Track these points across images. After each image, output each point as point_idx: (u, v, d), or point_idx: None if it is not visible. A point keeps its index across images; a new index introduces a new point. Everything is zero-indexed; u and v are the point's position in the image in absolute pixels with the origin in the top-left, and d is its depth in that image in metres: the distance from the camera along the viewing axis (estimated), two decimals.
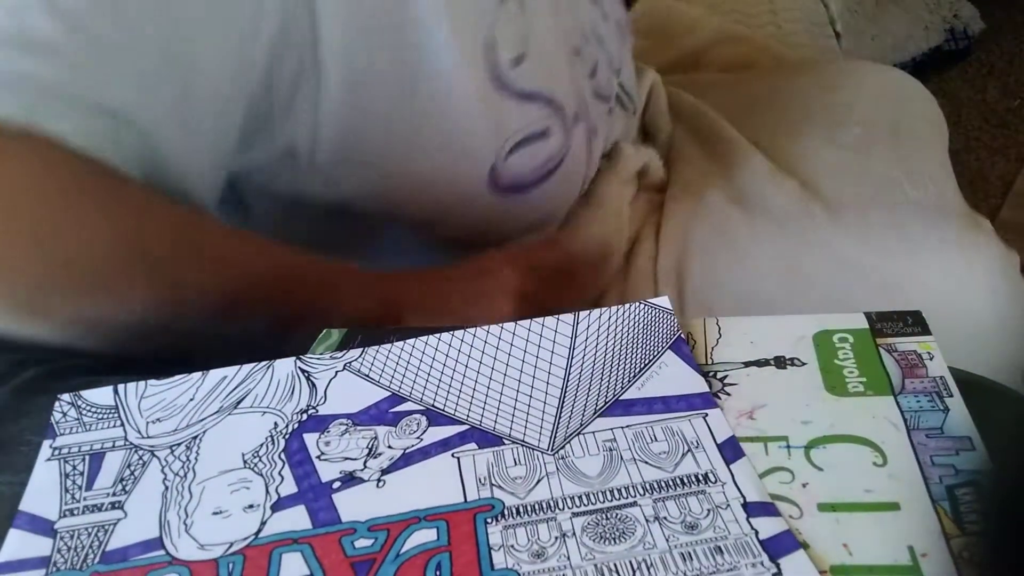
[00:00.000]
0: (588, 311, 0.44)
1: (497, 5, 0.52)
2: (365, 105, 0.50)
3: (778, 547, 0.34)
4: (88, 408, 0.42)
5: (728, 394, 0.40)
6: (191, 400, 0.42)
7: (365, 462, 0.39)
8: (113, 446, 0.40)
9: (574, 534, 0.35)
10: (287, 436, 0.40)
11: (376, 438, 0.40)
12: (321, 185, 0.54)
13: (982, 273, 0.61)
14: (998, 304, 0.60)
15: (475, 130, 0.54)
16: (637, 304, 0.44)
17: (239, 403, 0.42)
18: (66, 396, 0.42)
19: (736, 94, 0.84)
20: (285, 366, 0.43)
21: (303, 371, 0.43)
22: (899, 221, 0.66)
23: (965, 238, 0.63)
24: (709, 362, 0.42)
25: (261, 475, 0.38)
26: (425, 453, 0.39)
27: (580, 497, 0.36)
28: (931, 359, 0.41)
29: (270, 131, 0.50)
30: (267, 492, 0.38)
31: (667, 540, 0.34)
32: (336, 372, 0.43)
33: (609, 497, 0.36)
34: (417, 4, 0.49)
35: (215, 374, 0.43)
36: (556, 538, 0.35)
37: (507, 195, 0.58)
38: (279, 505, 0.37)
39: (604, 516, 0.35)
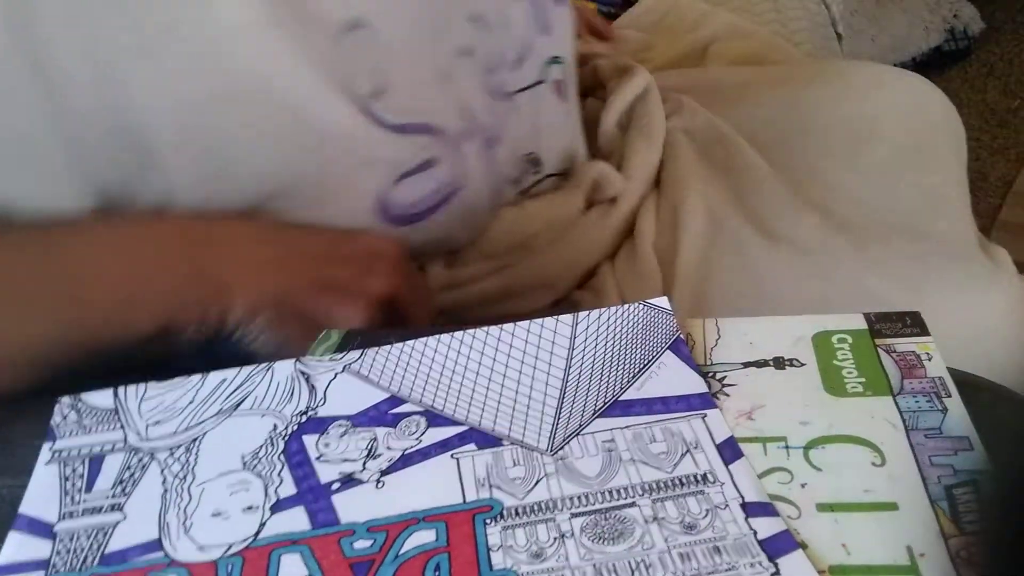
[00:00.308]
0: (587, 312, 0.44)
1: (337, 40, 0.49)
2: (227, 177, 0.49)
3: (777, 547, 0.34)
4: (88, 411, 0.42)
5: (727, 395, 0.40)
6: (191, 402, 0.42)
7: (364, 463, 0.39)
8: (113, 448, 0.40)
9: (573, 535, 0.35)
10: (286, 438, 0.40)
11: (375, 439, 0.40)
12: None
13: (1003, 311, 0.60)
14: (1019, 340, 0.59)
15: (353, 168, 0.51)
16: (636, 304, 0.44)
17: (239, 405, 0.42)
18: (66, 399, 0.42)
19: (749, 106, 0.79)
20: (285, 368, 0.43)
21: (303, 373, 0.43)
22: (923, 255, 0.64)
23: (987, 274, 0.62)
24: (708, 363, 0.42)
25: (260, 477, 0.38)
26: (424, 454, 0.39)
27: (579, 498, 0.36)
28: (930, 360, 0.41)
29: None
30: (266, 494, 0.38)
31: (666, 540, 0.34)
32: (335, 374, 0.43)
33: (608, 498, 0.36)
34: (250, 60, 0.46)
35: (215, 376, 0.43)
36: (555, 539, 0.35)
37: (400, 225, 0.55)
38: (278, 506, 0.37)
39: (603, 516, 0.36)
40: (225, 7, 0.45)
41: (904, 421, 0.39)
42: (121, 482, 0.39)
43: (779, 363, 0.42)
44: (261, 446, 0.40)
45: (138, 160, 0.46)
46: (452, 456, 0.39)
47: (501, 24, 0.58)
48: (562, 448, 0.38)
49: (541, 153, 0.65)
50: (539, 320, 0.44)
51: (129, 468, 0.39)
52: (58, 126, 0.44)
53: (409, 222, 0.55)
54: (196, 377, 0.43)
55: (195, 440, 0.40)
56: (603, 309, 0.44)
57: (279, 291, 0.48)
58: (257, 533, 0.36)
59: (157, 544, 0.36)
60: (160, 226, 0.48)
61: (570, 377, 0.41)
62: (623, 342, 0.42)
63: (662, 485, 0.36)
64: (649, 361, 0.42)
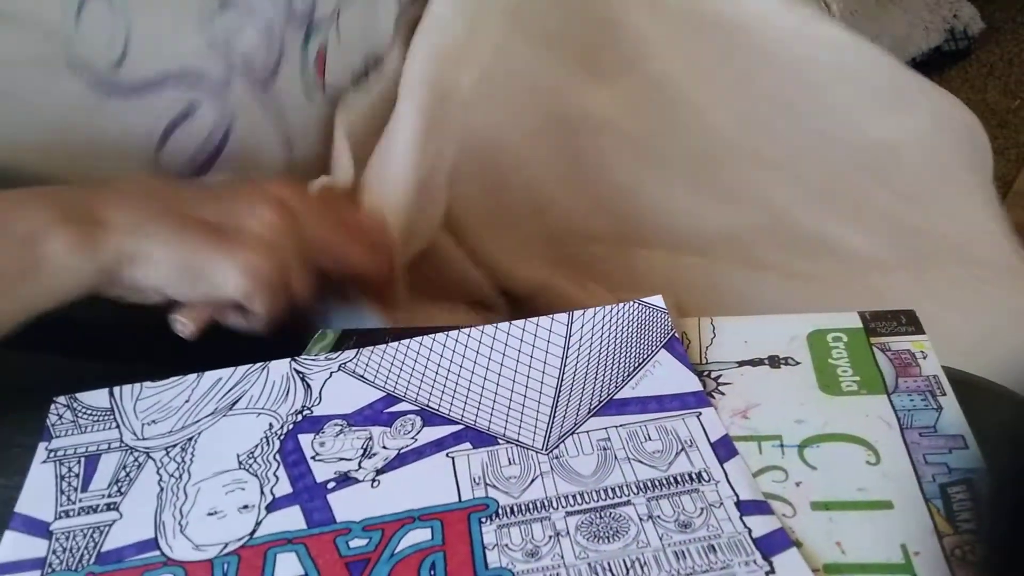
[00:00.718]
0: (582, 311, 0.44)
1: (71, 21, 0.45)
2: None
3: (771, 545, 0.34)
4: (83, 410, 0.42)
5: (722, 393, 0.40)
6: (186, 402, 0.42)
7: (360, 462, 0.39)
8: (108, 448, 0.40)
9: (568, 533, 0.35)
10: (282, 437, 0.40)
11: (371, 438, 0.40)
12: None
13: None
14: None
15: (107, 147, 0.48)
16: (631, 303, 0.44)
17: (234, 404, 0.42)
18: (61, 398, 0.42)
19: (756, 115, 0.75)
20: (280, 367, 0.43)
21: (298, 372, 0.43)
22: (952, 279, 0.63)
23: (994, 275, 0.62)
24: (703, 361, 0.42)
25: (256, 476, 0.39)
26: (419, 453, 0.39)
27: (574, 496, 0.36)
28: (924, 358, 0.41)
29: None
30: (262, 493, 0.38)
31: (661, 539, 0.34)
32: (331, 373, 0.43)
33: (603, 496, 0.36)
34: None
35: (210, 376, 0.43)
36: (550, 537, 0.35)
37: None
38: (274, 505, 0.37)
39: (598, 515, 0.36)
40: None
41: (899, 419, 0.38)
42: (117, 481, 0.39)
43: (774, 362, 0.42)
44: (257, 445, 0.40)
45: None
46: (447, 455, 0.39)
47: None
48: (557, 447, 0.38)
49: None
50: (534, 319, 0.44)
51: (125, 467, 0.39)
52: None
53: (194, 178, 0.52)
54: (191, 377, 0.43)
55: (191, 439, 0.40)
56: (598, 308, 0.44)
57: (155, 222, 0.43)
58: (253, 532, 0.36)
59: (153, 543, 0.36)
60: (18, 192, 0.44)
61: (565, 376, 0.41)
62: (618, 341, 0.42)
63: (657, 483, 0.36)
64: (644, 360, 0.42)
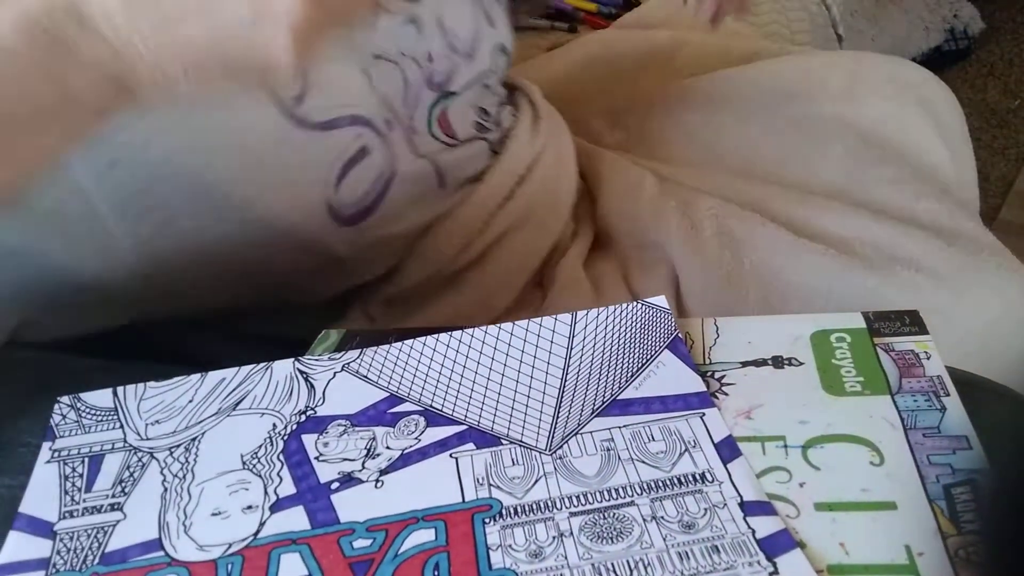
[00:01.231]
0: (586, 311, 0.44)
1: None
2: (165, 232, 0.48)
3: (775, 546, 0.34)
4: (87, 410, 0.42)
5: (726, 394, 0.40)
6: (190, 402, 0.42)
7: (363, 463, 0.39)
8: (112, 448, 0.40)
9: (572, 534, 0.35)
10: (286, 437, 0.40)
11: (374, 439, 0.40)
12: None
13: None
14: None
15: (293, 176, 0.51)
16: (634, 304, 0.44)
17: (238, 404, 0.42)
18: (65, 399, 0.42)
19: (752, 130, 0.75)
20: (284, 367, 0.43)
21: (301, 372, 0.43)
22: (945, 273, 0.62)
23: (994, 272, 0.62)
24: (707, 362, 0.42)
25: (260, 476, 0.39)
26: (423, 453, 0.39)
27: (578, 497, 0.36)
28: (928, 358, 0.41)
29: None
30: (266, 493, 0.38)
31: (664, 539, 0.34)
32: (335, 373, 0.43)
33: (606, 497, 0.36)
34: None
35: (214, 376, 0.43)
36: (554, 538, 0.35)
37: (353, 224, 0.55)
38: (278, 506, 0.37)
39: (601, 516, 0.36)
40: None
41: (903, 420, 0.39)
42: (121, 481, 0.39)
43: (777, 362, 0.42)
44: (260, 445, 0.40)
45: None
46: (451, 455, 0.39)
47: (435, 25, 0.58)
48: (561, 447, 0.38)
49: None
50: (537, 320, 0.44)
51: (129, 467, 0.39)
52: None
53: (361, 218, 0.56)
54: (195, 376, 0.43)
55: (194, 439, 0.40)
56: (602, 308, 0.44)
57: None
58: (257, 532, 0.36)
59: (157, 543, 0.36)
60: None
61: (569, 376, 0.41)
62: (621, 341, 0.42)
63: (660, 484, 0.37)
64: (648, 360, 0.42)
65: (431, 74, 0.60)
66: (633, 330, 0.43)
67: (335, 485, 0.38)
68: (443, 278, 0.64)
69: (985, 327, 0.58)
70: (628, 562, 0.34)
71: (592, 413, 0.40)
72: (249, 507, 0.37)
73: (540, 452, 0.38)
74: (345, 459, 0.39)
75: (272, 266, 0.56)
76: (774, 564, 0.33)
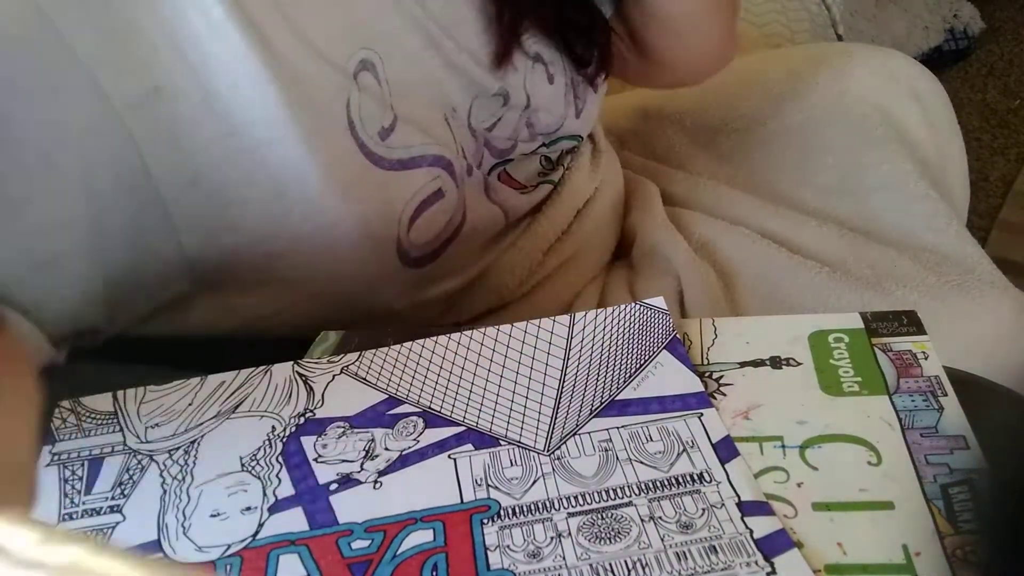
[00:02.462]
0: (584, 312, 0.44)
1: (343, 86, 0.47)
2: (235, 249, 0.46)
3: (772, 546, 0.34)
4: (87, 414, 0.42)
5: (724, 394, 0.40)
6: (189, 405, 0.42)
7: (362, 464, 0.39)
8: (112, 451, 0.40)
9: (570, 534, 0.35)
10: (284, 439, 0.40)
11: (373, 440, 0.40)
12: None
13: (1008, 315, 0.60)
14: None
15: (365, 214, 0.50)
16: (632, 305, 0.44)
17: (237, 407, 0.42)
18: (65, 402, 0.43)
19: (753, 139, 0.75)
20: (283, 370, 0.43)
21: (300, 375, 0.43)
22: (939, 291, 0.62)
23: (989, 279, 0.62)
24: (705, 362, 0.42)
25: (259, 478, 0.39)
26: (422, 455, 0.39)
27: (576, 497, 0.36)
28: (926, 358, 0.41)
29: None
30: (264, 494, 0.38)
31: (662, 540, 0.34)
32: (333, 375, 0.43)
33: (604, 497, 0.36)
34: (259, 125, 0.44)
35: (213, 379, 0.43)
36: (552, 538, 0.35)
37: (418, 267, 0.54)
38: (276, 507, 0.37)
39: (599, 516, 0.36)
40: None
41: (900, 420, 0.39)
42: (120, 484, 0.39)
43: (775, 362, 0.42)
44: (259, 447, 0.40)
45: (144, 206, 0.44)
46: (449, 456, 0.39)
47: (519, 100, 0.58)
48: (559, 448, 0.39)
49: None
50: (536, 321, 0.44)
51: (128, 470, 0.40)
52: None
53: (428, 261, 0.55)
54: (195, 380, 0.43)
55: (193, 442, 0.40)
56: (600, 310, 0.44)
57: None
58: (255, 534, 0.36)
59: (156, 545, 0.36)
60: None
61: (567, 377, 0.41)
62: (620, 342, 0.43)
63: (658, 484, 0.37)
64: (646, 361, 0.42)
65: (497, 143, 0.60)
66: (631, 331, 0.43)
67: (334, 486, 0.38)
68: (491, 313, 0.64)
69: (978, 344, 0.58)
70: (626, 562, 0.34)
71: (590, 414, 0.40)
72: (248, 508, 0.37)
73: (538, 453, 0.38)
74: (343, 460, 0.39)
75: (329, 300, 0.54)
76: (772, 564, 0.33)
